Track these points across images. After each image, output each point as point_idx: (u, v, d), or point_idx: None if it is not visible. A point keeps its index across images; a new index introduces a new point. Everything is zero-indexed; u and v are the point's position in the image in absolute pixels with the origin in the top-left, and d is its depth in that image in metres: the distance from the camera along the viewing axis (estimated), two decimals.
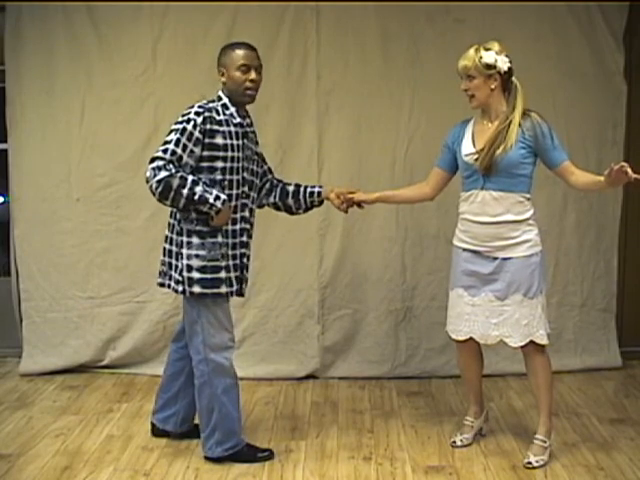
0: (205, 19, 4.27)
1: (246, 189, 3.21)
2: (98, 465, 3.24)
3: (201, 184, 3.02)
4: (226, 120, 3.11)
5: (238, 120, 3.14)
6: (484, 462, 3.24)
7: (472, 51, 3.11)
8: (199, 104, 3.10)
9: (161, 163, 2.99)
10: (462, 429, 3.46)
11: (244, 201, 3.21)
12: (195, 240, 3.09)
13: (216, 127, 3.07)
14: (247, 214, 3.23)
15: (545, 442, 3.23)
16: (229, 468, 3.20)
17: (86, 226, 4.45)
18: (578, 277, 4.47)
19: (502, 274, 3.19)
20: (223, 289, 3.13)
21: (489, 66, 3.08)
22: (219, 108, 3.12)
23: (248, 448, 3.28)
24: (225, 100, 3.15)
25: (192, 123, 3.03)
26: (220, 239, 3.12)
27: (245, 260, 3.24)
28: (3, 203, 4.82)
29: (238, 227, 3.19)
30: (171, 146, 3.01)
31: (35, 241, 4.49)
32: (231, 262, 3.17)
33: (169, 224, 3.20)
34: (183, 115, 3.07)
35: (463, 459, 3.27)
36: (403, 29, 4.28)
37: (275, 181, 3.48)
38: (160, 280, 3.25)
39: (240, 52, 3.11)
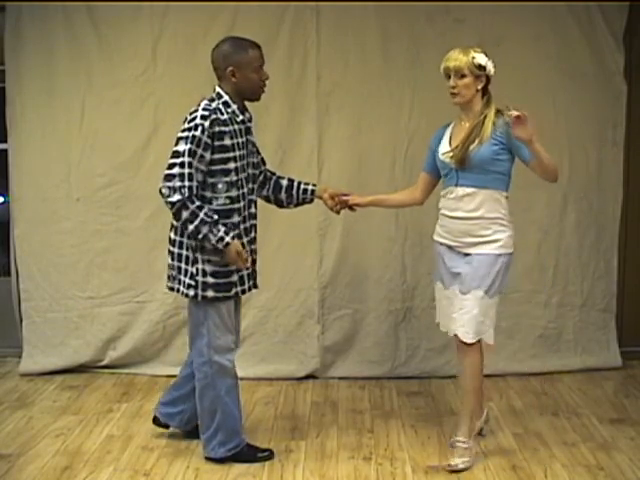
0: (205, 19, 4.27)
1: (251, 185, 3.22)
2: (98, 465, 3.24)
3: (209, 224, 3.00)
4: (230, 119, 3.09)
5: (241, 117, 3.14)
6: (484, 462, 3.24)
7: (460, 53, 3.20)
8: (203, 107, 3.06)
9: (177, 184, 2.98)
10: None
11: (250, 197, 3.21)
12: (208, 245, 3.08)
13: (223, 128, 3.05)
14: (253, 210, 3.24)
15: (466, 443, 3.20)
16: (229, 468, 3.20)
17: (86, 226, 4.44)
18: (578, 277, 4.47)
19: (467, 268, 3.24)
20: (233, 291, 3.15)
21: (481, 67, 3.19)
22: (221, 107, 3.09)
23: (248, 448, 3.28)
24: (226, 97, 3.11)
25: (200, 129, 3.00)
26: (243, 239, 3.14)
27: (254, 255, 3.27)
28: (3, 203, 4.82)
29: (248, 224, 3.20)
30: (185, 159, 2.99)
31: (35, 241, 4.49)
32: None
33: (177, 227, 3.15)
34: (189, 121, 3.03)
35: None
36: (403, 29, 4.29)
37: (268, 173, 3.46)
38: (169, 284, 3.24)
39: (255, 53, 3.11)
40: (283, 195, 3.44)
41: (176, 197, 2.98)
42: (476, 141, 3.17)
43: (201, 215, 3.00)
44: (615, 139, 4.41)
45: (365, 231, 4.38)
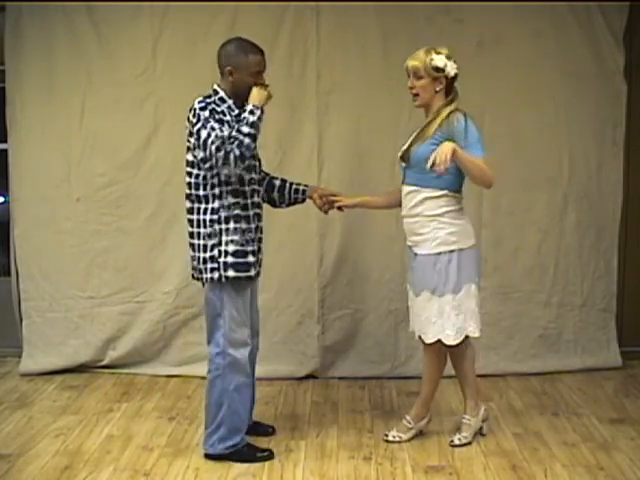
0: (205, 19, 4.27)
1: (254, 175, 3.26)
2: (98, 465, 3.24)
3: (237, 126, 3.05)
4: (227, 111, 3.15)
5: (236, 112, 3.18)
6: (484, 462, 3.25)
7: (423, 52, 3.20)
8: (198, 100, 3.12)
9: (221, 154, 3.00)
10: (460, 428, 3.46)
11: (254, 187, 3.25)
12: (232, 225, 3.14)
13: (220, 117, 3.11)
14: (256, 199, 3.28)
15: (410, 423, 3.44)
16: (229, 468, 3.20)
17: (86, 226, 4.45)
18: (578, 277, 4.47)
19: (413, 269, 3.30)
20: (252, 272, 3.20)
21: (438, 69, 3.17)
22: (217, 101, 3.16)
23: (248, 448, 3.29)
24: (222, 94, 3.18)
25: (204, 117, 3.06)
26: (252, 224, 3.20)
27: (260, 243, 3.31)
28: (3, 203, 4.82)
29: (252, 212, 3.23)
30: (213, 132, 3.02)
31: (35, 241, 4.49)
32: (254, 246, 3.23)
33: (192, 221, 3.19)
34: (193, 116, 3.09)
35: (463, 459, 3.27)
36: (403, 28, 4.28)
37: (262, 173, 3.49)
38: (195, 275, 3.28)
39: (255, 58, 3.15)
40: (275, 195, 3.49)
41: (231, 156, 3.00)
42: (420, 140, 3.19)
43: (236, 127, 3.04)
44: (615, 139, 4.41)
45: (365, 231, 4.38)
